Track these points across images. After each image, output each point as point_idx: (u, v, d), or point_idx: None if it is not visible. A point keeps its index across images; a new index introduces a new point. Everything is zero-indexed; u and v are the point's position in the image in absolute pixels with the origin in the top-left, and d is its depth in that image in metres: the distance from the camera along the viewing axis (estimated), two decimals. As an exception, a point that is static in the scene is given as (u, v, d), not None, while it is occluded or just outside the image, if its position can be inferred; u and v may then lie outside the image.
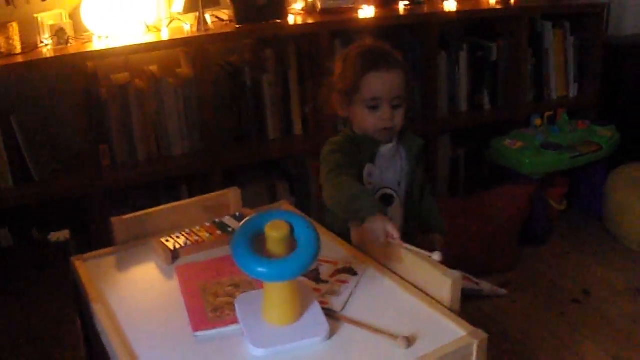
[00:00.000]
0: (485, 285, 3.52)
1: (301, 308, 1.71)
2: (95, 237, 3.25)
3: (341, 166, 2.28)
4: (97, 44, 3.26)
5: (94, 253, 2.22)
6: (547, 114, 4.22)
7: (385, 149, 2.41)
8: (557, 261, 3.88)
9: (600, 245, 4.04)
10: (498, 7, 4.12)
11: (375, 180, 2.39)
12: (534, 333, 3.25)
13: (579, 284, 3.64)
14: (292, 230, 1.63)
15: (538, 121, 4.17)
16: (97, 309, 1.88)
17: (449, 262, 3.23)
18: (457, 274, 1.79)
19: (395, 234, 1.93)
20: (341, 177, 2.22)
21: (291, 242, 1.63)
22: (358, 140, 2.40)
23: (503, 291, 3.55)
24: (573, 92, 4.55)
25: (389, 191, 2.43)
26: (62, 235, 2.59)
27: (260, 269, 1.58)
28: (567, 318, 3.35)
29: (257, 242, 1.64)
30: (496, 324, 3.32)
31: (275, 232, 1.61)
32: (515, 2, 4.16)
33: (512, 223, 3.75)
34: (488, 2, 4.21)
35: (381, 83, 2.34)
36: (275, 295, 1.66)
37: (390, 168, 2.42)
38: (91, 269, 2.12)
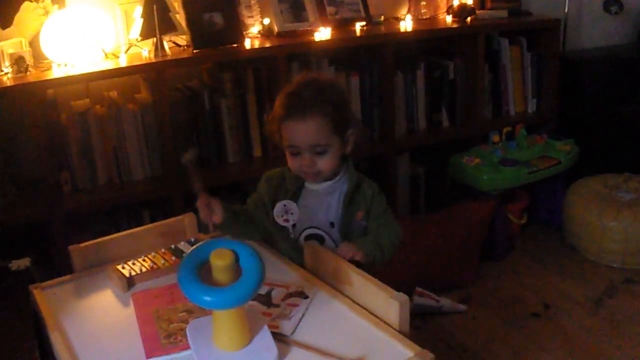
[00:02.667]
0: (446, 302, 3.56)
1: (250, 333, 1.73)
2: (58, 264, 3.26)
3: (249, 205, 2.44)
4: (56, 72, 3.27)
5: (52, 281, 2.23)
6: (505, 129, 4.26)
7: (317, 187, 2.36)
8: (518, 275, 3.92)
9: (560, 259, 4.09)
10: (454, 25, 4.17)
11: (298, 219, 2.32)
12: (495, 348, 3.29)
13: (539, 297, 3.68)
14: (237, 258, 1.67)
15: (496, 137, 4.20)
16: (55, 338, 1.90)
17: (409, 279, 3.25)
18: (404, 296, 1.81)
19: None
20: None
21: (236, 270, 1.66)
22: (285, 176, 2.39)
23: (463, 307, 3.58)
24: (531, 107, 4.60)
25: (318, 232, 2.36)
26: (23, 262, 2.59)
27: (205, 298, 1.61)
28: (527, 332, 3.39)
29: (204, 271, 1.67)
30: (456, 340, 3.35)
31: (219, 261, 1.64)
32: (471, 20, 4.20)
33: (472, 239, 3.78)
34: (444, 21, 4.26)
35: (295, 132, 2.26)
36: (223, 322, 1.68)
37: (320, 208, 2.35)
38: (49, 297, 2.14)
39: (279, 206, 2.31)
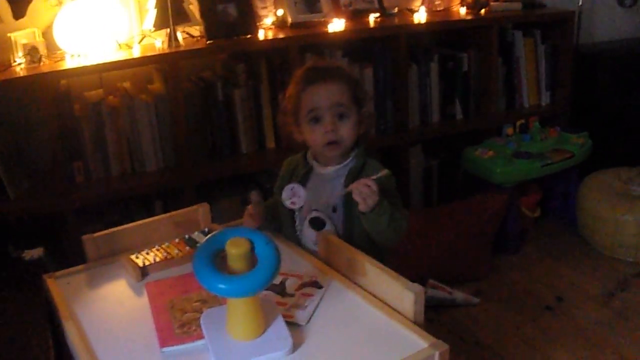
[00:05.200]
0: (458, 294, 3.55)
1: (265, 322, 1.73)
2: (71, 254, 3.26)
3: (275, 193, 2.49)
4: (69, 62, 3.27)
5: (65, 271, 2.24)
6: (519, 122, 4.24)
7: (323, 170, 2.40)
8: (531, 269, 3.91)
9: (573, 252, 4.08)
10: (468, 17, 4.15)
11: (304, 202, 2.32)
12: (507, 341, 3.28)
13: (552, 290, 3.68)
14: (252, 246, 1.66)
15: (510, 130, 4.20)
16: (68, 327, 1.90)
17: (422, 271, 3.23)
18: (419, 287, 1.81)
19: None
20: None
21: (252, 259, 1.66)
22: (297, 162, 2.48)
23: (476, 300, 3.57)
24: (545, 100, 4.58)
25: (320, 215, 2.38)
26: (36, 252, 2.60)
27: (220, 286, 1.61)
28: (540, 325, 3.38)
29: (219, 259, 1.67)
30: (469, 333, 3.34)
31: (235, 249, 1.64)
32: (485, 12, 4.19)
33: (485, 232, 3.78)
34: (458, 13, 4.25)
35: (318, 95, 2.31)
36: (238, 311, 1.68)
37: (324, 192, 2.37)
38: (63, 286, 2.14)
39: (286, 189, 2.31)
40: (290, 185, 2.31)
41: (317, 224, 2.38)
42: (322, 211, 2.38)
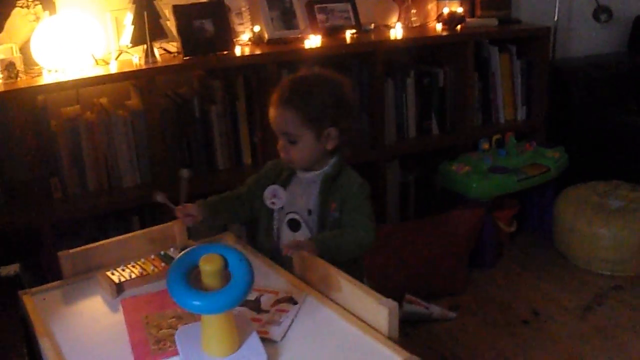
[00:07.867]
0: (435, 309, 3.56)
1: (239, 339, 1.73)
2: (48, 270, 3.25)
3: (250, 182, 2.59)
4: (47, 78, 3.27)
5: (41, 287, 2.23)
6: (495, 137, 4.26)
7: (303, 175, 2.49)
8: (508, 283, 3.92)
9: (550, 266, 4.09)
10: (444, 33, 4.17)
11: (284, 203, 2.46)
12: (484, 355, 3.29)
13: (529, 304, 3.69)
14: (226, 263, 1.67)
15: (486, 145, 4.21)
16: (44, 343, 1.89)
17: (399, 286, 3.23)
18: (393, 302, 1.82)
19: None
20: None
21: (225, 275, 1.66)
22: (282, 165, 2.53)
23: (453, 314, 3.58)
24: (521, 115, 4.60)
25: (296, 217, 2.47)
26: (12, 268, 2.59)
27: (194, 302, 1.61)
28: (516, 339, 3.39)
29: (193, 276, 1.67)
30: (446, 347, 3.35)
31: (208, 266, 1.64)
32: (461, 28, 4.21)
33: (461, 246, 3.79)
34: (434, 29, 4.27)
35: (272, 118, 2.44)
36: (212, 327, 1.68)
37: (302, 195, 2.47)
38: (39, 303, 2.14)
39: (269, 189, 2.47)
40: (272, 186, 2.46)
41: (293, 225, 2.48)
42: (298, 213, 2.47)
